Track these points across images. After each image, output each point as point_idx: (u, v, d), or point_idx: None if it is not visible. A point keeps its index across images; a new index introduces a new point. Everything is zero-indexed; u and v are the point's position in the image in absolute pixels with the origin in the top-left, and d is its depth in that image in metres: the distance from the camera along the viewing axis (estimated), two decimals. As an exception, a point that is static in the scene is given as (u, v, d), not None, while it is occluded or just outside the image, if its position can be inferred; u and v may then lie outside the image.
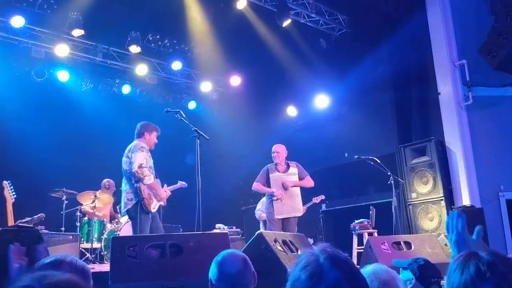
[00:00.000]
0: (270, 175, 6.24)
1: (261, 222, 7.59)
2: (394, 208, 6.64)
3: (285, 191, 6.16)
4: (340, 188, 8.71)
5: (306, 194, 6.91)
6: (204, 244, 3.85)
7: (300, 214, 6.28)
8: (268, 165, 6.32)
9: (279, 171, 6.25)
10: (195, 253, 3.77)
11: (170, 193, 5.46)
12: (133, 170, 4.96)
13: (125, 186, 5.19)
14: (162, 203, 5.28)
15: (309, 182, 6.30)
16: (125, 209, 5.14)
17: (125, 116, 8.36)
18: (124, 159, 5.18)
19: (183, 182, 5.94)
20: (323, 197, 7.70)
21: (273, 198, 6.10)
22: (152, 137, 5.34)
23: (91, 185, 7.60)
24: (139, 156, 5.02)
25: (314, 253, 1.32)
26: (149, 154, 5.24)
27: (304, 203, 6.46)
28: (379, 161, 6.63)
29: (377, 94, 8.32)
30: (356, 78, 8.38)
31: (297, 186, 6.25)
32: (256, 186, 6.28)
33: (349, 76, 8.54)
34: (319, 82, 9.20)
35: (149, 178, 5.03)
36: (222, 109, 10.44)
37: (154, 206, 5.14)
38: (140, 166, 4.95)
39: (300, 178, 6.30)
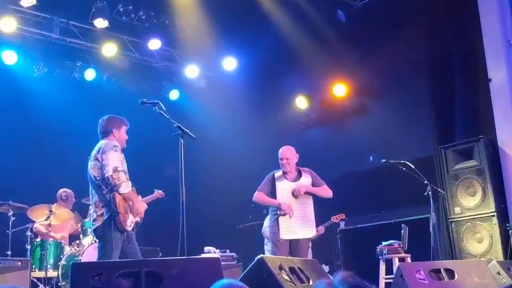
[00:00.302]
0: (276, 184, 6.27)
1: (266, 243, 7.67)
2: (432, 227, 6.60)
3: (295, 200, 6.18)
4: (363, 200, 8.72)
5: (323, 212, 6.92)
6: (190, 272, 3.82)
7: (312, 234, 6.31)
8: (275, 171, 6.36)
9: (288, 180, 6.30)
10: (179, 284, 3.72)
11: (146, 206, 5.45)
12: (106, 175, 4.93)
13: (93, 198, 5.18)
14: (138, 219, 5.26)
15: (326, 191, 6.35)
16: (93, 227, 5.12)
17: (88, 109, 8.30)
18: (91, 163, 5.17)
19: (160, 191, 5.94)
20: (343, 215, 7.75)
21: (279, 213, 6.13)
22: (122, 133, 5.36)
23: (46, 197, 7.58)
24: (113, 157, 5.00)
25: (333, 284, 1.30)
26: (123, 155, 5.24)
27: (320, 223, 6.46)
28: (413, 167, 6.61)
29: (410, 82, 8.31)
30: (383, 61, 8.39)
31: (313, 193, 6.30)
32: (258, 196, 6.29)
33: (374, 58, 8.54)
34: (336, 66, 9.21)
35: (126, 185, 5.01)
36: (213, 100, 10.43)
37: (130, 224, 5.12)
38: (116, 170, 4.94)
39: (314, 186, 6.35)
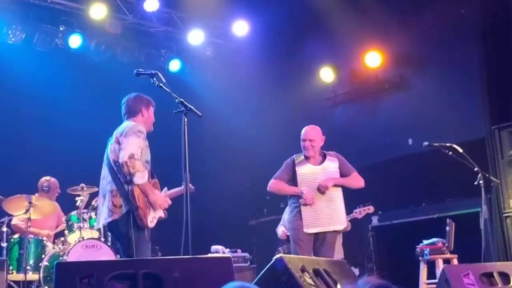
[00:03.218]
0: (297, 170, 6.27)
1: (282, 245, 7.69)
2: (484, 222, 6.61)
3: (321, 193, 6.17)
4: (401, 192, 8.71)
5: (350, 206, 6.90)
6: (196, 274, 3.81)
7: (341, 227, 6.32)
8: (295, 155, 6.37)
9: (311, 164, 6.30)
10: (182, 287, 3.74)
11: (170, 202, 5.54)
12: (121, 161, 5.04)
13: (109, 186, 5.26)
14: (162, 215, 5.38)
15: (357, 180, 6.35)
16: (107, 220, 5.21)
17: (73, 83, 8.35)
18: (111, 145, 5.28)
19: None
20: (371, 208, 7.58)
21: (301, 202, 6.14)
22: (150, 114, 5.51)
23: (25, 187, 7.59)
24: (134, 143, 5.11)
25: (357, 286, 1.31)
26: (147, 143, 5.35)
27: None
28: (461, 151, 6.55)
29: (458, 50, 8.27)
30: (425, 24, 8.35)
31: (342, 185, 6.29)
32: (275, 184, 6.32)
33: (414, 21, 8.49)
34: (369, 31, 9.15)
35: (142, 175, 5.10)
36: (221, 72, 10.40)
37: (151, 220, 5.24)
38: (132, 156, 5.03)
39: (343, 175, 6.32)
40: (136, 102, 5.44)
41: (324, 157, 6.35)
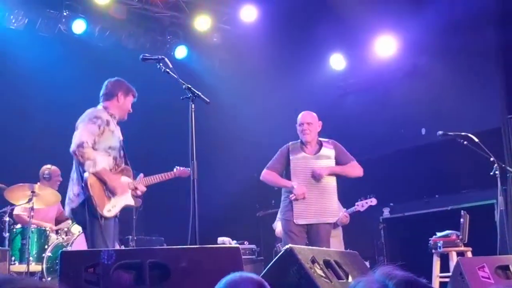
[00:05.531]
0: (291, 159, 6.28)
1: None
2: (499, 214, 6.67)
3: (314, 180, 6.17)
4: (414, 183, 8.70)
5: (348, 195, 6.86)
6: (203, 264, 3.83)
7: (333, 219, 6.33)
8: (290, 143, 6.39)
9: (306, 153, 6.30)
10: (190, 278, 3.75)
11: (143, 189, 5.57)
12: (70, 151, 5.14)
13: (72, 174, 5.38)
14: (130, 202, 5.42)
15: (354, 169, 6.35)
16: (67, 209, 5.35)
17: (77, 69, 8.35)
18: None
19: (181, 168, 5.91)
20: (373, 201, 7.50)
21: (291, 197, 6.17)
22: (127, 102, 5.51)
23: (27, 175, 7.61)
24: (85, 130, 5.19)
25: (378, 280, 1.36)
26: (117, 127, 5.39)
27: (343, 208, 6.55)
28: (476, 140, 6.55)
29: (474, 36, 8.22)
30: (440, 10, 8.30)
31: (336, 174, 6.29)
32: (267, 175, 6.36)
33: (428, 6, 8.45)
34: (381, 16, 9.11)
35: (93, 163, 5.15)
36: (228, 59, 10.40)
37: (110, 209, 5.26)
38: (80, 145, 5.11)
39: (340, 164, 6.32)
40: (115, 86, 5.49)
41: (320, 145, 6.34)
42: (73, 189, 5.31)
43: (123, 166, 5.45)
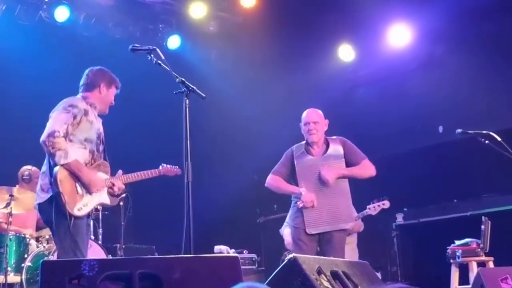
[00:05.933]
0: (296, 163, 6.25)
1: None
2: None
3: (323, 185, 6.10)
4: (429, 186, 8.71)
5: (357, 199, 6.77)
6: (199, 275, 3.87)
7: (347, 225, 6.23)
8: (295, 146, 6.37)
9: (312, 155, 6.25)
10: (184, 290, 3.83)
11: (122, 187, 5.51)
12: (40, 141, 5.07)
13: (44, 166, 5.32)
14: (106, 201, 5.39)
15: (365, 170, 6.29)
16: (37, 204, 5.25)
17: (60, 59, 8.35)
18: None
19: (168, 166, 5.87)
20: (386, 203, 7.33)
21: (299, 205, 6.11)
22: (110, 94, 5.49)
23: (4, 177, 7.65)
24: (57, 119, 5.12)
25: None
26: (98, 118, 5.40)
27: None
28: (499, 139, 6.43)
29: (494, 24, 8.23)
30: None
31: (347, 177, 6.24)
32: (273, 181, 6.31)
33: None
34: (393, 3, 9.02)
35: (64, 154, 5.06)
36: (226, 49, 10.41)
37: (81, 207, 5.16)
38: (51, 135, 5.03)
39: (351, 164, 6.23)
40: (97, 76, 5.46)
41: (327, 145, 6.30)
42: (41, 183, 5.23)
43: (100, 161, 5.37)
